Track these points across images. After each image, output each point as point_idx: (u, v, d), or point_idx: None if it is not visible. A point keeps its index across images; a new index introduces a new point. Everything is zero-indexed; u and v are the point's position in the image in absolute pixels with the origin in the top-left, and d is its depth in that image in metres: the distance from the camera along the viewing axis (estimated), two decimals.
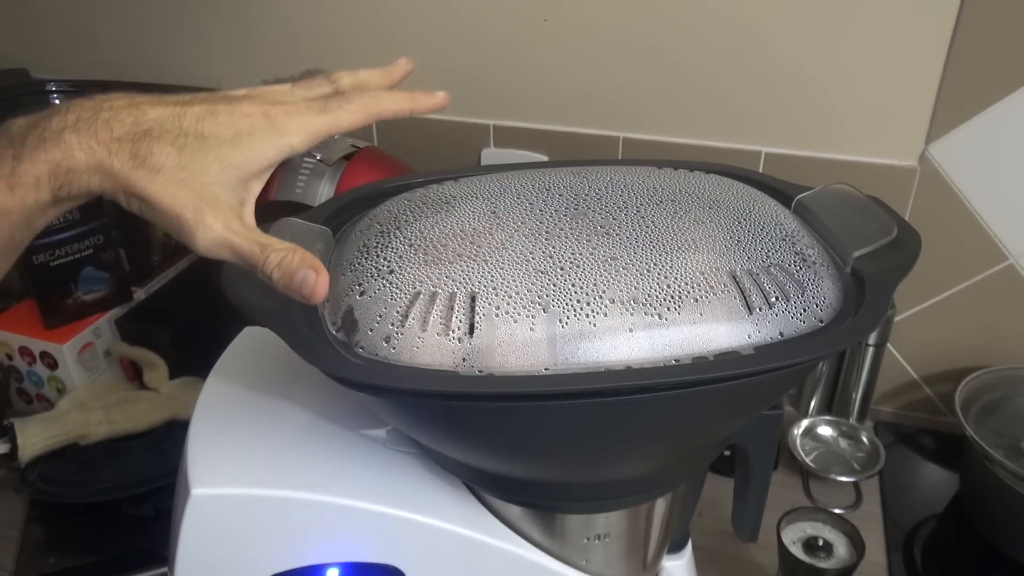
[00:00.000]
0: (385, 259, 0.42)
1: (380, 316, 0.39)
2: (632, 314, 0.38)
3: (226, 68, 1.01)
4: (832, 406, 0.89)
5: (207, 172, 0.37)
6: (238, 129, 0.38)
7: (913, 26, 0.75)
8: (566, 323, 0.38)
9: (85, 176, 0.36)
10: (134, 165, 0.36)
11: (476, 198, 0.46)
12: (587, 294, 0.39)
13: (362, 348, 0.39)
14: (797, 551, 0.65)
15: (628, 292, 0.39)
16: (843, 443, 0.86)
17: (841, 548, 0.66)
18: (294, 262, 0.37)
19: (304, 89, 0.42)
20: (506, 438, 0.41)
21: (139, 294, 0.91)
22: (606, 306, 0.38)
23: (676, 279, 0.39)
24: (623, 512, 0.49)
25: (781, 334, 0.39)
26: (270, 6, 0.95)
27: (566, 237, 0.41)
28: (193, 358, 0.88)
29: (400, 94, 0.43)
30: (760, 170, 0.84)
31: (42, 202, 0.37)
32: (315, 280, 0.37)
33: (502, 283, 0.39)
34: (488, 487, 0.48)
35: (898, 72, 0.78)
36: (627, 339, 0.38)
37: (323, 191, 0.80)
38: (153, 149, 0.37)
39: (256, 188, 0.40)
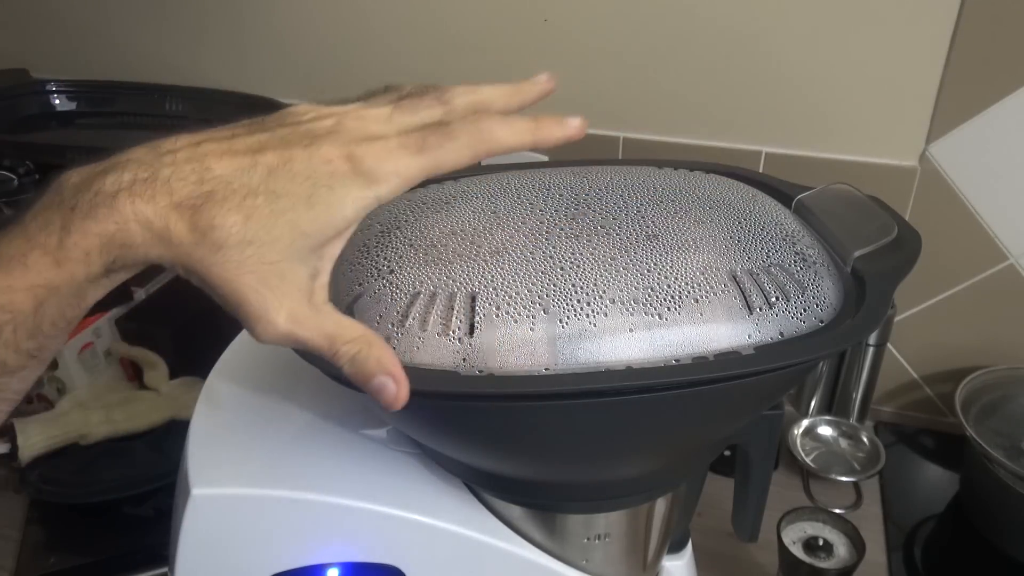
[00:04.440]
0: (385, 259, 0.42)
1: (380, 316, 0.39)
2: (632, 314, 0.38)
3: (226, 68, 1.01)
4: (832, 406, 0.89)
5: (275, 246, 0.33)
6: (316, 181, 0.33)
7: (913, 26, 0.75)
8: (566, 323, 0.38)
9: (142, 250, 0.32)
10: (195, 240, 0.32)
11: (476, 198, 0.46)
12: (587, 294, 0.39)
13: None
14: (797, 551, 0.65)
15: (628, 292, 0.39)
16: (843, 443, 0.86)
17: (841, 548, 0.66)
18: (369, 363, 0.34)
19: (407, 113, 0.36)
20: (506, 438, 0.41)
21: (139, 294, 0.91)
22: (606, 306, 0.38)
23: (676, 279, 0.39)
24: (623, 512, 0.49)
25: (781, 334, 0.39)
26: (269, 7, 0.95)
27: (566, 237, 0.41)
28: (193, 358, 0.87)
29: (521, 124, 0.37)
30: (760, 170, 0.84)
31: (93, 275, 0.33)
32: (395, 392, 0.34)
33: (502, 283, 0.39)
34: (488, 487, 0.48)
35: (898, 72, 0.78)
36: (627, 339, 0.38)
37: None
38: (215, 219, 0.32)
39: (335, 251, 0.35)
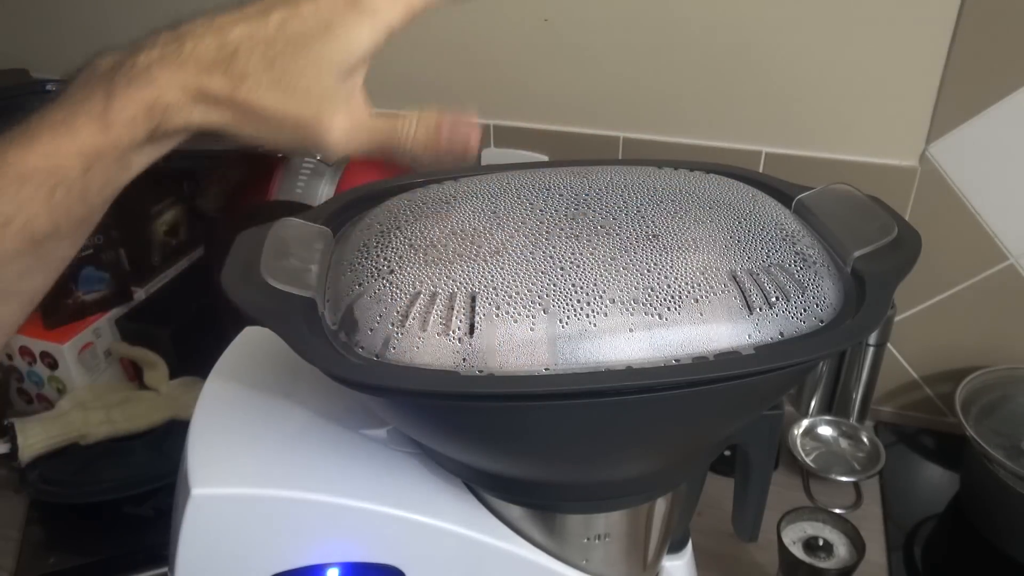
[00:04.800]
0: (385, 259, 0.42)
1: (380, 316, 0.39)
2: (632, 314, 0.38)
3: None
4: (832, 406, 0.89)
5: (305, 74, 0.36)
6: (328, 21, 0.36)
7: (913, 26, 0.75)
8: (566, 323, 0.38)
9: (185, 111, 0.35)
10: (233, 87, 0.35)
11: (476, 198, 0.46)
12: (587, 294, 0.39)
13: (362, 348, 0.39)
14: (797, 551, 0.65)
15: (628, 292, 0.39)
16: (843, 443, 0.86)
17: (841, 548, 0.66)
18: (431, 125, 0.38)
19: None
20: (506, 438, 0.41)
21: (139, 294, 0.91)
22: (606, 306, 0.38)
23: (676, 279, 0.39)
24: (623, 512, 0.49)
25: (781, 334, 0.39)
26: None
27: (566, 237, 0.41)
28: (193, 358, 0.88)
29: None
30: (760, 170, 0.84)
31: (138, 140, 0.36)
32: (478, 134, 0.38)
33: (502, 283, 0.39)
34: (488, 487, 0.48)
35: (898, 72, 0.78)
36: (627, 339, 0.38)
37: (323, 191, 0.80)
38: (247, 68, 0.35)
39: (359, 77, 0.38)
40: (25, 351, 0.85)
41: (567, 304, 0.38)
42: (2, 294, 0.37)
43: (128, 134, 0.35)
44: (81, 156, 0.35)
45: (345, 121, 0.37)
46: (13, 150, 0.35)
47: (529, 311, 0.38)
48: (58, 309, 0.85)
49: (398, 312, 0.39)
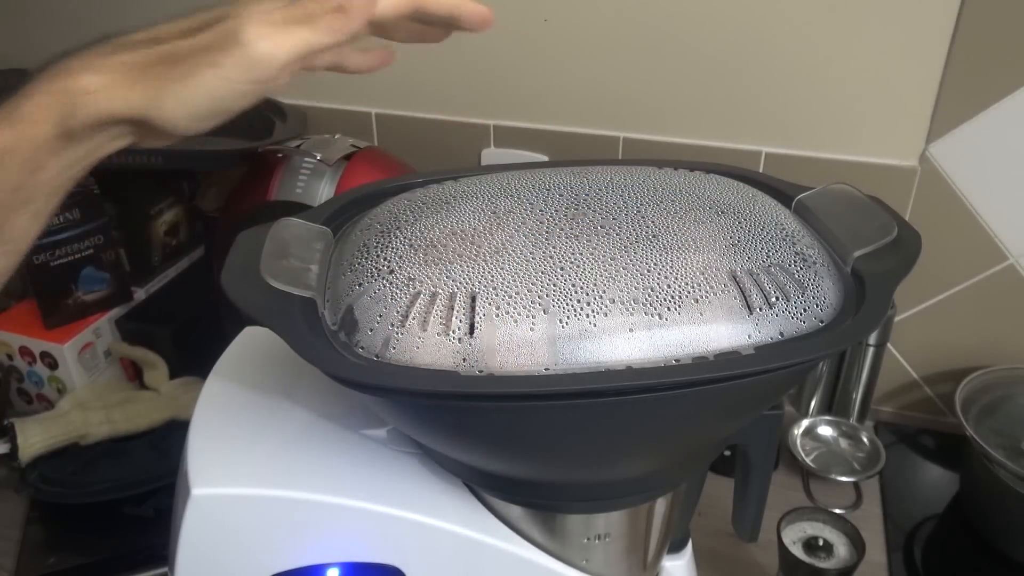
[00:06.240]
0: (385, 259, 0.42)
1: (380, 316, 0.39)
2: (632, 314, 0.38)
3: None
4: (832, 406, 0.89)
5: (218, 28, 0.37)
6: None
7: (913, 26, 0.75)
8: (566, 323, 0.38)
9: (101, 94, 0.34)
10: (155, 52, 0.36)
11: (476, 198, 0.46)
12: (587, 294, 0.39)
13: (362, 348, 0.39)
14: (797, 551, 0.65)
15: (628, 292, 0.39)
16: (843, 443, 0.86)
17: (841, 548, 0.66)
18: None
19: None
20: (506, 438, 0.41)
21: (139, 294, 0.91)
22: (606, 306, 0.38)
23: (676, 279, 0.39)
24: (623, 512, 0.49)
25: (781, 334, 0.39)
26: None
27: (566, 237, 0.41)
28: (193, 358, 0.88)
29: None
30: (760, 170, 0.84)
31: (48, 136, 0.34)
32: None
33: (502, 283, 0.39)
34: (488, 487, 0.48)
35: (898, 72, 0.78)
36: (627, 339, 0.38)
37: (323, 191, 0.80)
38: (165, 47, 0.37)
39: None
40: (25, 351, 0.85)
41: (567, 304, 0.38)
42: None
43: (33, 127, 0.34)
44: None
45: (262, 22, 0.35)
46: None
47: (529, 311, 0.38)
48: (58, 309, 0.85)
49: (398, 312, 0.39)
